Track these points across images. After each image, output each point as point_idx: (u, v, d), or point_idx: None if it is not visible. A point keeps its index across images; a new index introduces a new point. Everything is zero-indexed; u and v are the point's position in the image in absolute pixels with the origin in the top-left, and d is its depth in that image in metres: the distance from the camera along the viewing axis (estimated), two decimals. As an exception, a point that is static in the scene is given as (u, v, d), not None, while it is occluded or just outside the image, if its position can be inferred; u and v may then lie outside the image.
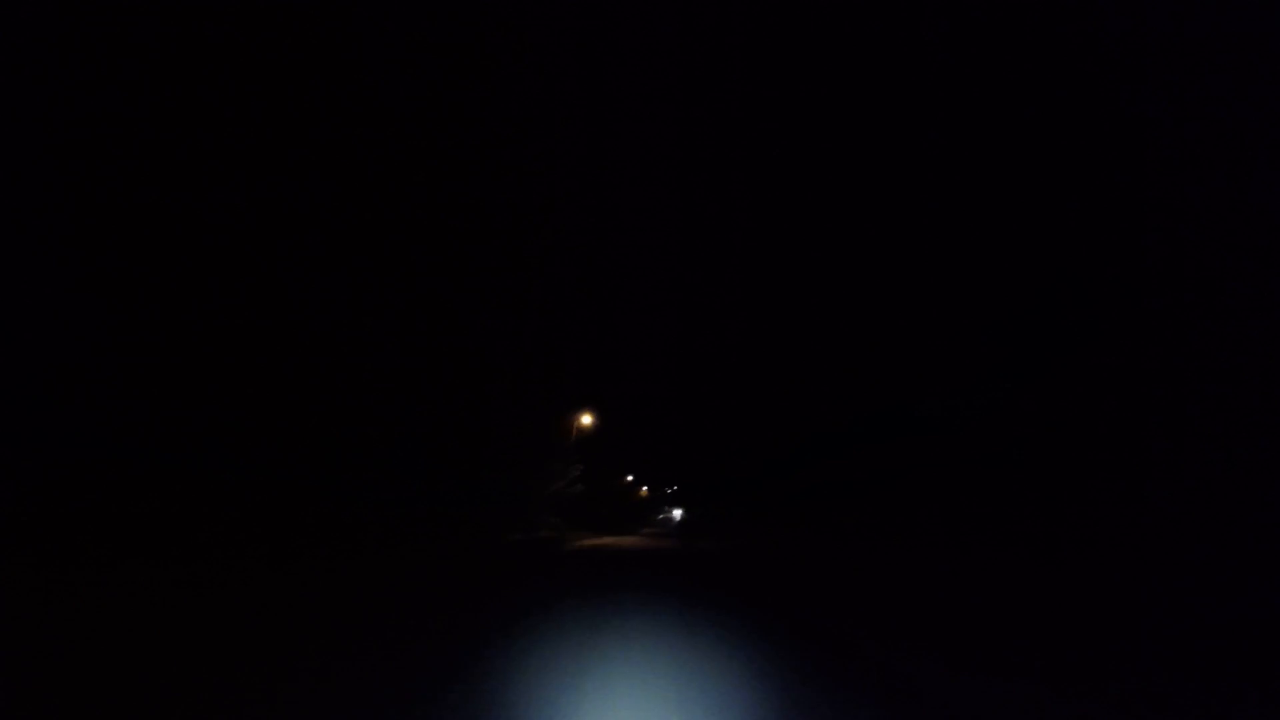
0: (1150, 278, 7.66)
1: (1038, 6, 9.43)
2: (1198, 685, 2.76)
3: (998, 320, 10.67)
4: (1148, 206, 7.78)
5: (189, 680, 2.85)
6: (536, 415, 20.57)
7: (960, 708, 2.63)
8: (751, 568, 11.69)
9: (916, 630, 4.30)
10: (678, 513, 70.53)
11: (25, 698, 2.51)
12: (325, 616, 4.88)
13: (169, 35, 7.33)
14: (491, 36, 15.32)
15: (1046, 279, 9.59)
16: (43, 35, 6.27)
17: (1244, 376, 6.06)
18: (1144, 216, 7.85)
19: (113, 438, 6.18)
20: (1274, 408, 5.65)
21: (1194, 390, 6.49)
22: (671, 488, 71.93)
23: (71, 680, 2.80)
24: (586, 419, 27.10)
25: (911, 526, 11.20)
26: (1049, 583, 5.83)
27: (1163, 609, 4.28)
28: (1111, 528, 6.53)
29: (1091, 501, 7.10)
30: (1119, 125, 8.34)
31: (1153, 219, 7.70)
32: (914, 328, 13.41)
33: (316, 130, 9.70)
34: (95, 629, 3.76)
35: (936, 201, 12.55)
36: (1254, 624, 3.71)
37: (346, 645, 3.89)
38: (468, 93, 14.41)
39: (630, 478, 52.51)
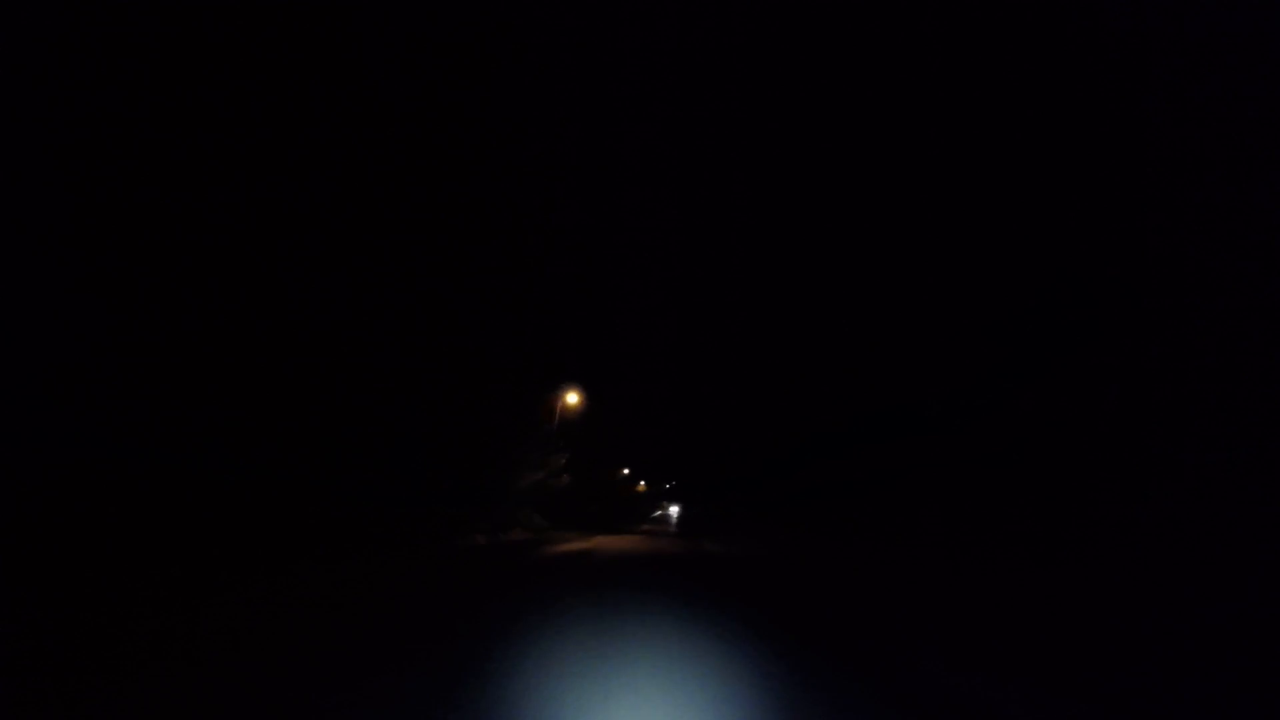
0: (1150, 278, 7.66)
1: (1038, 6, 9.43)
2: (1197, 685, 2.76)
3: (998, 320, 10.67)
4: (1148, 206, 7.78)
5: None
6: (508, 392, 17.57)
7: (960, 708, 2.63)
8: (779, 581, 8.77)
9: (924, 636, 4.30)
10: (675, 509, 69.93)
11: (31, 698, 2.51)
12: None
13: (169, 35, 7.33)
14: (492, 36, 15.32)
15: (1046, 279, 9.59)
16: (43, 35, 6.27)
17: (1244, 376, 6.06)
18: (1144, 216, 7.85)
19: (99, 437, 6.17)
20: (1274, 408, 5.65)
21: (1194, 390, 6.49)
22: (669, 484, 71.25)
23: (69, 683, 2.79)
24: (572, 398, 23.06)
25: (912, 527, 11.20)
26: (1049, 582, 5.83)
27: (1162, 609, 4.28)
28: (1111, 527, 6.53)
29: (1091, 501, 7.10)
30: (1119, 125, 8.34)
31: (1153, 219, 7.70)
32: (914, 328, 13.41)
33: (316, 130, 9.69)
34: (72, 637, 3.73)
35: (936, 201, 12.55)
36: (1254, 624, 3.71)
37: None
38: (468, 93, 14.40)
39: (626, 470, 48.36)
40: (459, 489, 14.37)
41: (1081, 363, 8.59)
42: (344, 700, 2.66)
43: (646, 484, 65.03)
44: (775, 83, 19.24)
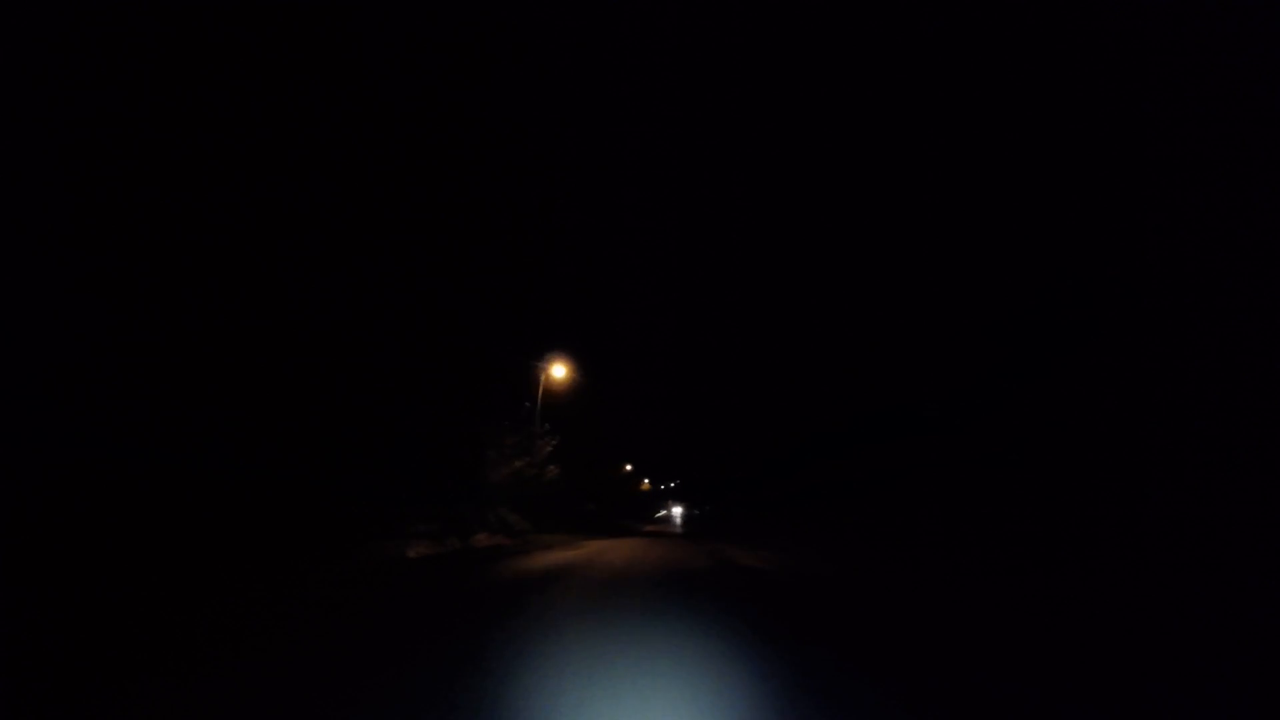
0: (1150, 278, 7.66)
1: (1038, 7, 9.43)
2: (1197, 685, 2.76)
3: (998, 320, 10.67)
4: (1148, 206, 7.78)
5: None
6: (475, 357, 14.74)
7: (960, 709, 2.63)
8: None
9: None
10: (678, 509, 69.59)
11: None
12: None
13: (169, 35, 7.34)
14: (492, 37, 15.34)
15: (1046, 279, 9.60)
16: (43, 35, 6.28)
17: (1244, 376, 6.06)
18: (1144, 216, 7.85)
19: (94, 437, 6.17)
20: (1274, 407, 5.65)
21: (1194, 390, 6.49)
22: (671, 483, 70.88)
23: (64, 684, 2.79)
24: (559, 371, 19.11)
25: (911, 526, 11.20)
26: (1048, 582, 5.83)
27: (1161, 608, 4.28)
28: (1111, 526, 6.53)
29: (1091, 500, 7.10)
30: (1119, 125, 8.34)
31: (1153, 219, 7.70)
32: (914, 328, 13.42)
33: (316, 130, 9.70)
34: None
35: (936, 202, 12.55)
36: (1254, 623, 3.71)
37: None
38: (468, 93, 14.43)
39: (629, 467, 45.01)
40: (396, 479, 10.87)
41: (1081, 363, 8.59)
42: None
43: (649, 482, 64.14)
44: (775, 83, 19.25)
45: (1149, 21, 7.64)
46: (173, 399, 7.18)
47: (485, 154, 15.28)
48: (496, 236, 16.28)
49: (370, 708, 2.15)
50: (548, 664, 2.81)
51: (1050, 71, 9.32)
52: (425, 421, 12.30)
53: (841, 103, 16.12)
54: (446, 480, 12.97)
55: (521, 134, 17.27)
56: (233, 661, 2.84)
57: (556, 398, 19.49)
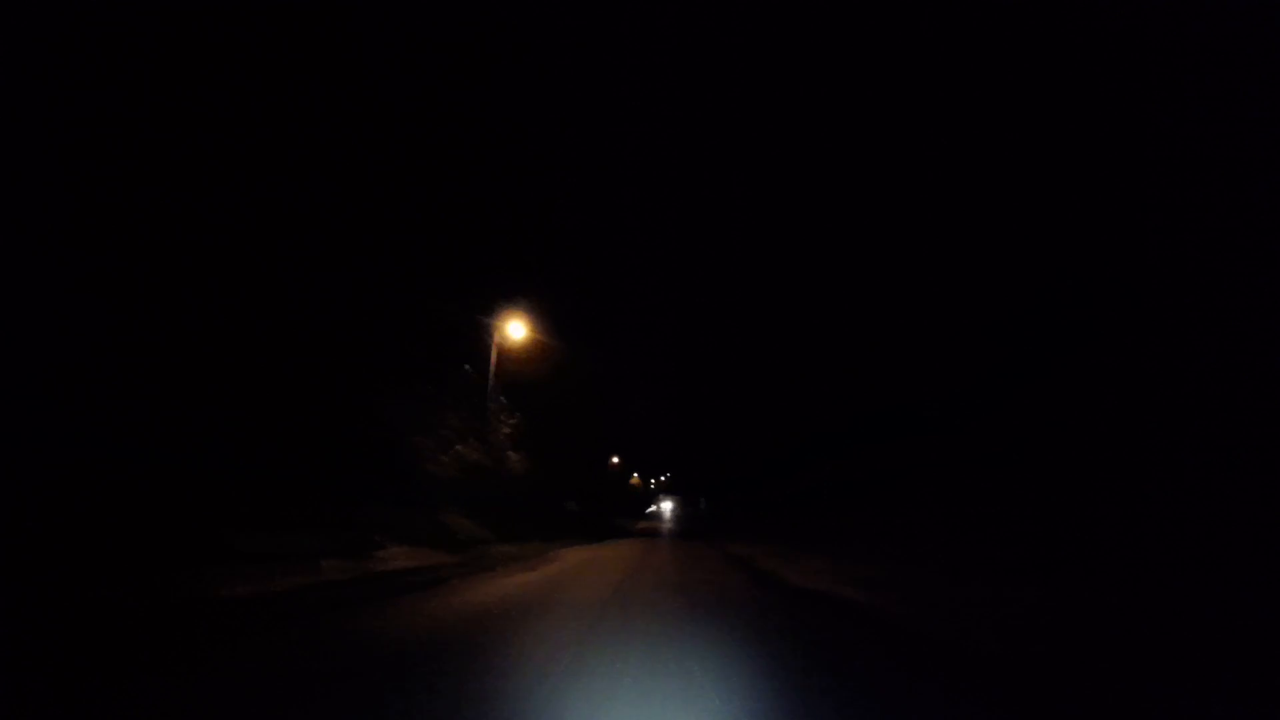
0: (1150, 278, 7.66)
1: (1037, 7, 9.43)
2: (1196, 686, 2.76)
3: (998, 320, 10.67)
4: (1148, 206, 7.78)
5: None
6: (394, 306, 11.23)
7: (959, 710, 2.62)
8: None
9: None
10: (668, 505, 67.52)
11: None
12: None
13: (169, 35, 7.33)
14: (492, 37, 15.34)
15: (1046, 279, 9.60)
16: (43, 35, 6.28)
17: (1244, 376, 6.06)
18: (1144, 216, 7.85)
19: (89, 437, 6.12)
20: (1274, 407, 5.65)
21: (1194, 390, 6.49)
22: (662, 476, 68.24)
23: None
24: (517, 330, 14.53)
25: (911, 526, 11.20)
26: (1048, 582, 5.83)
27: (1162, 608, 4.28)
28: (1111, 527, 6.53)
29: (1091, 501, 7.10)
30: (1119, 125, 8.34)
31: (1153, 219, 7.70)
32: (914, 328, 13.42)
33: (316, 130, 9.70)
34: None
35: (936, 201, 12.55)
36: (1254, 624, 3.71)
37: None
38: (468, 92, 14.42)
39: (616, 459, 41.41)
40: (236, 464, 7.40)
41: (1081, 363, 8.59)
42: None
43: (639, 477, 61.70)
44: (775, 83, 19.25)
45: (1149, 21, 7.64)
46: None
47: (485, 154, 15.26)
48: (495, 235, 16.27)
49: None
50: None
51: (1050, 71, 9.32)
52: (299, 388, 8.78)
53: (841, 102, 16.13)
54: (343, 473, 9.40)
55: (522, 134, 17.26)
56: None
57: (528, 375, 15.95)
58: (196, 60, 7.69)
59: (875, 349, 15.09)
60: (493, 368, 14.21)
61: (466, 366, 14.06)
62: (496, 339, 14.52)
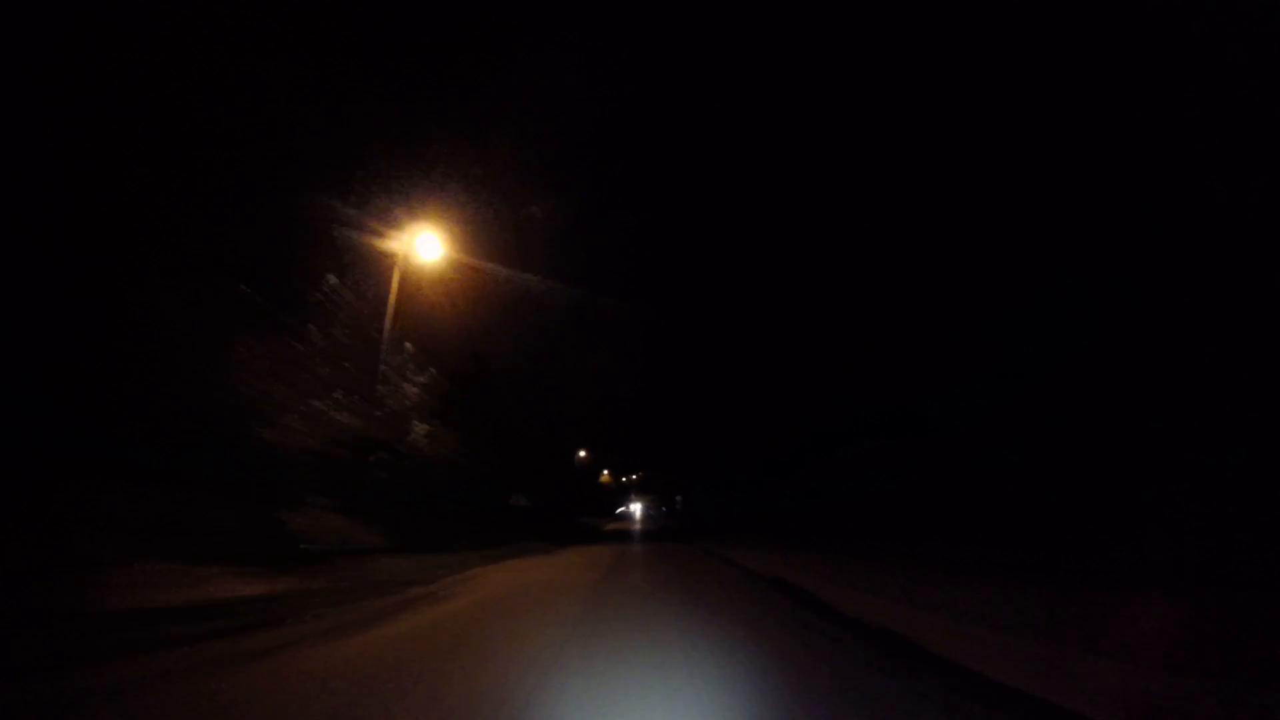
0: (1150, 278, 7.66)
1: (1037, 7, 9.43)
2: (1196, 686, 2.76)
3: (998, 320, 10.67)
4: (1148, 206, 7.78)
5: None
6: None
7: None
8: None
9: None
10: (637, 506, 64.30)
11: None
12: None
13: (169, 35, 7.33)
14: (492, 36, 15.34)
15: (1046, 279, 9.60)
16: (43, 35, 6.27)
17: (1244, 376, 6.06)
18: (1144, 216, 7.85)
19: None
20: (1274, 407, 5.65)
21: (1194, 390, 6.49)
22: (634, 474, 63.77)
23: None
24: (426, 252, 9.97)
25: (910, 526, 11.20)
26: (1048, 582, 5.84)
27: (1162, 608, 4.28)
28: (1111, 527, 6.53)
29: (1091, 501, 7.10)
30: (1119, 125, 8.34)
31: (1153, 219, 7.70)
32: (914, 328, 13.42)
33: (316, 129, 9.70)
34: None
35: (936, 201, 12.56)
36: (1254, 625, 3.72)
37: None
38: (468, 92, 14.43)
39: (584, 453, 37.77)
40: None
41: (1081, 363, 8.59)
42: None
43: (610, 474, 56.41)
44: (774, 82, 19.26)
45: (1149, 21, 7.64)
46: None
47: (486, 153, 15.25)
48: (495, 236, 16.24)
49: None
50: None
51: (1050, 71, 9.32)
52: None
53: (841, 102, 16.13)
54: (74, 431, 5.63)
55: (522, 133, 17.26)
56: None
57: (458, 320, 11.70)
58: (197, 60, 7.67)
59: (875, 349, 15.10)
60: (392, 299, 9.27)
61: (331, 277, 9.10)
62: (401, 258, 9.58)
